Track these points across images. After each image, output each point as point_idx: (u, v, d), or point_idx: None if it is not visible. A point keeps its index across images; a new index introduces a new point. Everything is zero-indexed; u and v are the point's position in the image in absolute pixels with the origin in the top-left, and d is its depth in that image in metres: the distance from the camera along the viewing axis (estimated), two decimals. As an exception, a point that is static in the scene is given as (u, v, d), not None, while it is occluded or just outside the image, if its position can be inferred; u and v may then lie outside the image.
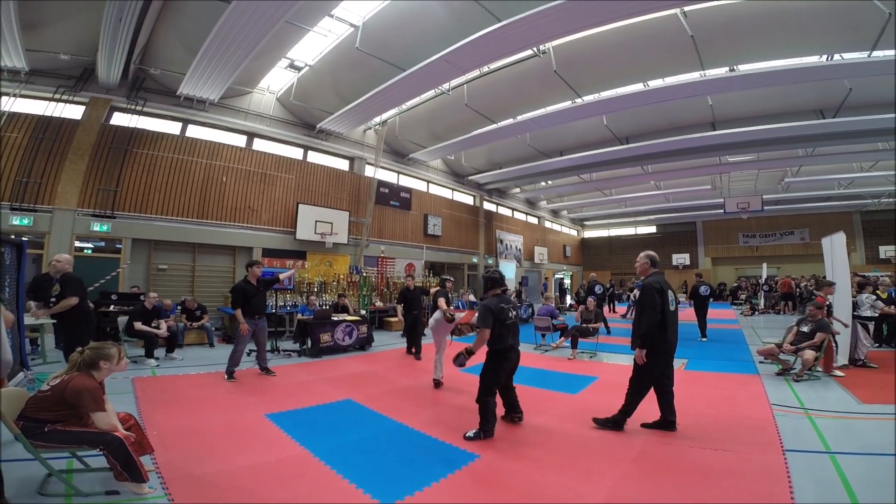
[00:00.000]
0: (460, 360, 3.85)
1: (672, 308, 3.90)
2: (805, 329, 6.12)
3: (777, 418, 4.20)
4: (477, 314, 3.88)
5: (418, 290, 8.36)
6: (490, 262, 20.24)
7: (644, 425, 3.96)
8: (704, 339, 9.61)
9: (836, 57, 8.94)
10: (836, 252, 7.42)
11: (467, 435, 3.72)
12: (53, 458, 2.81)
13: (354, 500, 2.68)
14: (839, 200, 21.04)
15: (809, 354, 5.70)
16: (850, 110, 10.93)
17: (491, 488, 2.88)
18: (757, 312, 16.72)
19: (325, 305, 9.55)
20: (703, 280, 10.60)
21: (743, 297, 20.39)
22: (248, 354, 6.35)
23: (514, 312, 4.03)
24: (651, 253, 4.25)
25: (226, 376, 5.79)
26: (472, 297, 15.71)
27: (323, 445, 3.53)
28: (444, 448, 3.54)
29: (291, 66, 10.82)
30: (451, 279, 7.67)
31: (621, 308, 17.86)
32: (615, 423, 3.95)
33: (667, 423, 3.92)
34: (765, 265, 20.06)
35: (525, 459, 3.33)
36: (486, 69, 10.64)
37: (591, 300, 8.69)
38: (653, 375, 3.89)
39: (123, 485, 2.64)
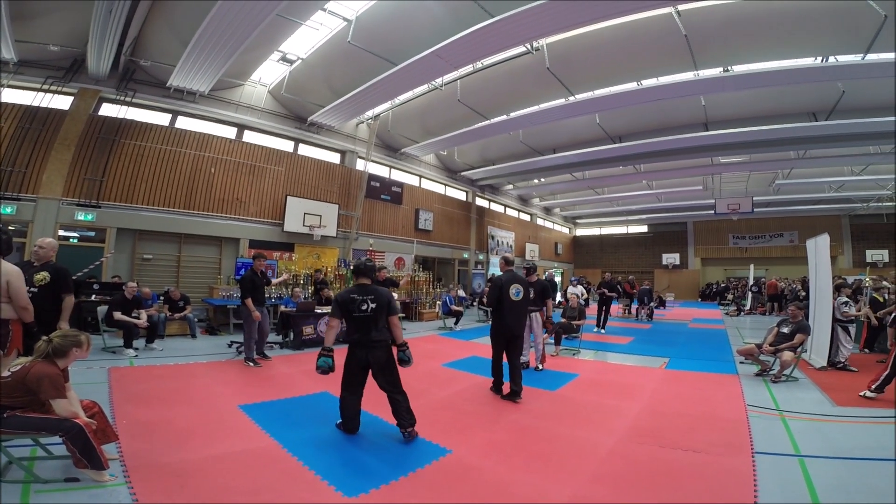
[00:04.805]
0: (319, 358, 3.53)
1: (516, 299, 5.04)
2: (785, 330, 6.12)
3: (751, 419, 4.21)
4: None
5: (388, 281, 8.31)
6: (481, 257, 20.28)
7: (498, 393, 5.00)
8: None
9: (831, 59, 8.96)
10: (819, 254, 7.47)
11: (337, 422, 3.79)
12: (15, 445, 2.80)
13: (317, 493, 2.67)
14: (829, 203, 21.22)
15: (788, 355, 5.73)
16: (843, 113, 11.00)
17: (456, 484, 2.87)
18: (743, 313, 16.86)
19: (310, 298, 9.49)
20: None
21: (730, 297, 20.53)
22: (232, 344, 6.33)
23: (370, 305, 3.63)
24: (506, 255, 5.69)
25: (250, 364, 6.16)
26: (461, 293, 15.72)
27: (293, 437, 3.52)
28: (418, 442, 3.54)
29: (284, 59, 10.74)
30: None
31: (614, 307, 17.92)
32: (496, 387, 5.05)
33: (512, 392, 4.85)
34: (752, 266, 20.21)
35: (496, 456, 3.33)
36: (479, 65, 10.61)
37: (573, 297, 8.70)
38: (500, 348, 5.06)
39: (83, 472, 2.62)
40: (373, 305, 3.64)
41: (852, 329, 6.97)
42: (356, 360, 3.64)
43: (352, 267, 4.11)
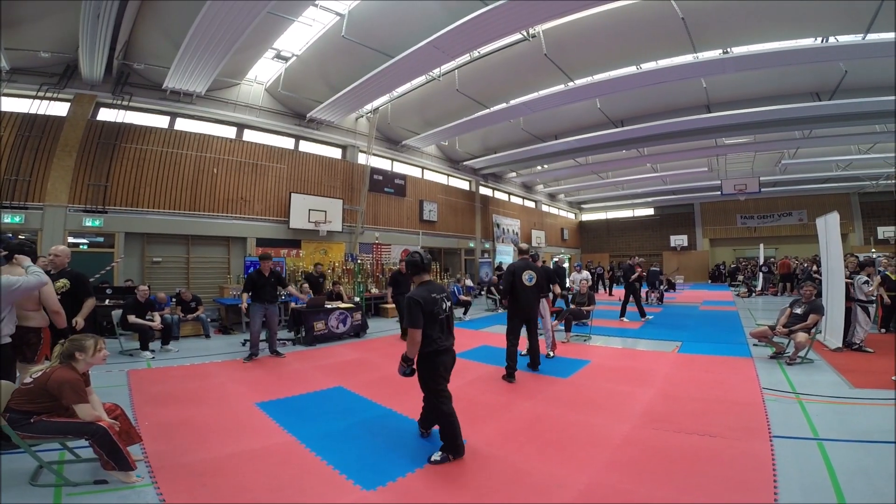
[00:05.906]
0: (401, 369, 3.19)
1: (529, 284, 5.44)
2: (798, 311, 6.02)
3: (767, 403, 4.17)
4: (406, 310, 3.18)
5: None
6: (487, 246, 20.26)
7: (511, 381, 5.15)
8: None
9: (831, 39, 8.80)
10: (829, 232, 7.37)
11: (432, 459, 3.06)
12: (45, 450, 2.88)
13: (336, 487, 2.72)
14: (837, 182, 20.94)
15: (802, 337, 5.64)
16: (847, 92, 10.82)
17: (472, 474, 2.90)
18: (754, 294, 16.75)
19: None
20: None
21: (740, 278, 20.40)
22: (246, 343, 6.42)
23: (447, 303, 3.33)
24: (521, 245, 5.98)
25: (243, 359, 6.40)
26: (469, 282, 15.77)
27: (310, 432, 3.57)
28: (432, 433, 3.56)
29: (278, 56, 10.67)
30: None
31: (619, 291, 17.85)
32: (509, 375, 5.18)
33: (533, 363, 5.64)
34: (762, 246, 20.06)
35: (511, 445, 3.36)
36: (476, 54, 10.49)
37: (583, 283, 8.69)
38: (516, 330, 5.41)
39: (111, 473, 2.69)
40: (447, 304, 3.33)
41: (872, 309, 6.77)
42: (443, 365, 3.24)
43: (407, 261, 3.53)
